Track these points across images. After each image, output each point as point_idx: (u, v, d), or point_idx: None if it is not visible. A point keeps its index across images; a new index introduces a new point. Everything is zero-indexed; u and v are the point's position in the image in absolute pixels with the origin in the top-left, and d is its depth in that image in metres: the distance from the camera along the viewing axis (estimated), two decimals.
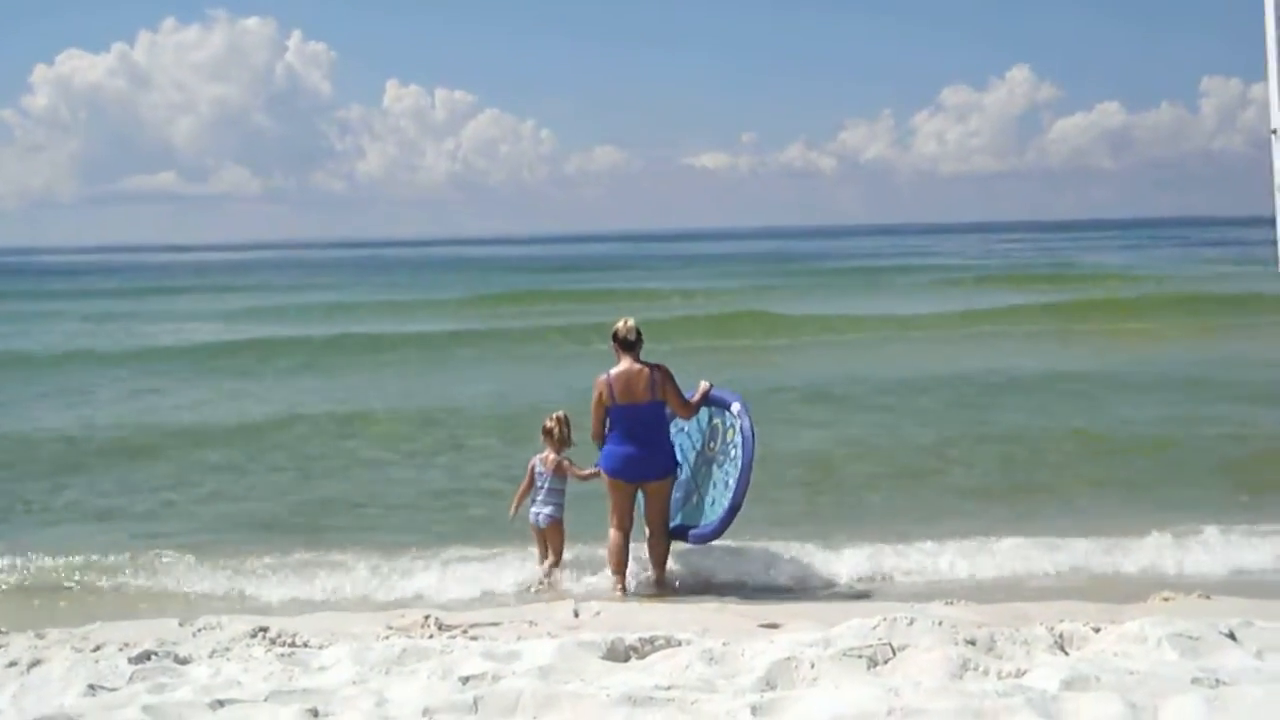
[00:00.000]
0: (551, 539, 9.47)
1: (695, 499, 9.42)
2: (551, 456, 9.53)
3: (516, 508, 9.68)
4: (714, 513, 9.14)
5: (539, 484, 9.53)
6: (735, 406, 9.25)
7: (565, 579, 9.35)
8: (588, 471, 9.44)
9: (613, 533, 9.15)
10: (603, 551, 9.35)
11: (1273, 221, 4.25)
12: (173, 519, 11.82)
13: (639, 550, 9.31)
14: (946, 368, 21.30)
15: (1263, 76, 4.08)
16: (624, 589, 9.08)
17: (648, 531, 9.28)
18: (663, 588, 9.10)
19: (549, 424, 9.61)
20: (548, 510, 9.44)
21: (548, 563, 9.46)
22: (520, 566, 9.63)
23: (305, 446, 15.15)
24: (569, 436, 9.61)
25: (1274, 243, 4.28)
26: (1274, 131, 4.11)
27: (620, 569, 9.14)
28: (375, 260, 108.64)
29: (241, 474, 13.76)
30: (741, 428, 9.12)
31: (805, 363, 23.51)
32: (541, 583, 9.34)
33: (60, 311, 42.04)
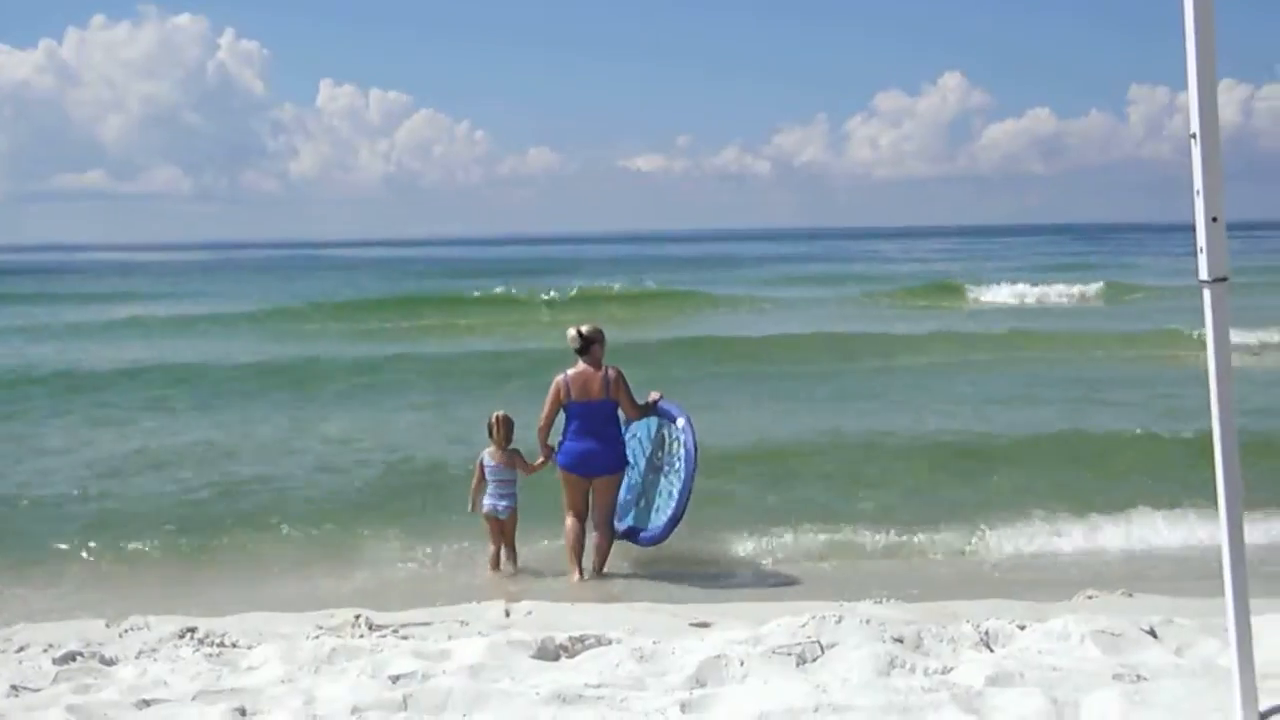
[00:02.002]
0: (509, 529, 9.88)
1: (643, 503, 9.93)
2: (499, 452, 9.94)
3: (474, 503, 10.03)
4: (659, 519, 9.68)
5: (490, 477, 9.93)
6: (680, 422, 9.74)
7: (517, 565, 9.86)
8: (535, 464, 9.92)
9: (570, 522, 9.72)
10: (543, 545, 10.13)
11: (1193, 228, 4.35)
12: (102, 520, 11.64)
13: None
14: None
15: (1185, 85, 4.17)
16: (581, 575, 9.57)
17: (592, 524, 9.69)
18: (600, 576, 9.55)
19: (491, 421, 10.01)
20: (505, 503, 9.88)
21: (503, 552, 9.89)
22: (455, 564, 9.78)
23: (226, 461, 14.79)
24: (510, 435, 9.99)
25: (1195, 250, 4.37)
26: (1193, 136, 4.19)
27: (577, 558, 9.64)
28: (305, 261, 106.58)
29: (168, 479, 13.54)
30: (685, 443, 9.62)
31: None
32: (497, 568, 9.82)
33: None
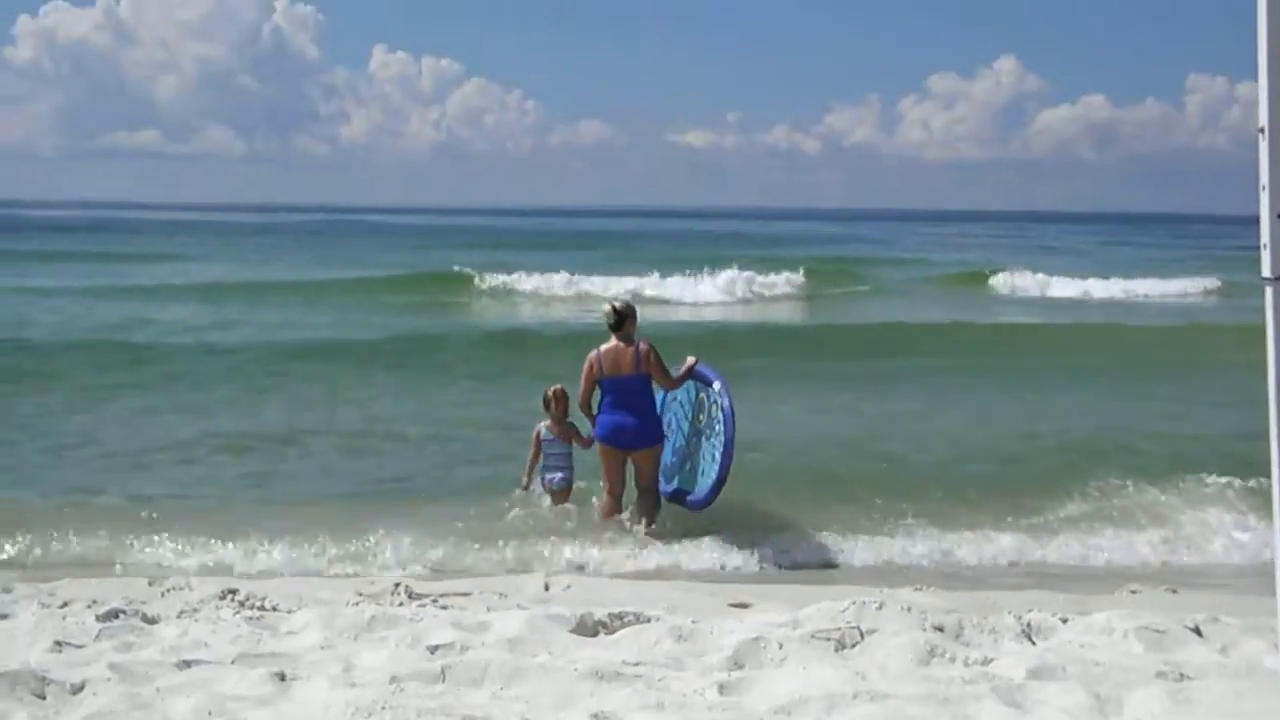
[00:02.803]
0: (559, 499, 10.21)
1: (688, 466, 10.15)
2: (556, 426, 10.26)
3: (529, 476, 10.36)
4: (704, 482, 9.83)
5: (546, 450, 10.25)
6: (716, 385, 9.89)
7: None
8: (588, 437, 10.15)
9: (606, 496, 10.02)
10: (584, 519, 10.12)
11: (1257, 221, 4.23)
12: (149, 479, 11.75)
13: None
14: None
15: (1248, 75, 4.05)
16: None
17: (638, 492, 9.96)
18: (651, 530, 9.74)
19: (548, 395, 10.32)
20: (561, 474, 10.24)
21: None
22: (496, 534, 9.78)
23: (266, 433, 14.89)
24: (566, 408, 10.30)
25: (1259, 245, 4.24)
26: (1261, 130, 4.09)
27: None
28: (353, 227, 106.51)
29: (221, 438, 13.63)
30: (722, 406, 9.74)
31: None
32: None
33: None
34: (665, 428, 10.18)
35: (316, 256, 53.14)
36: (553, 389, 10.34)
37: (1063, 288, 41.55)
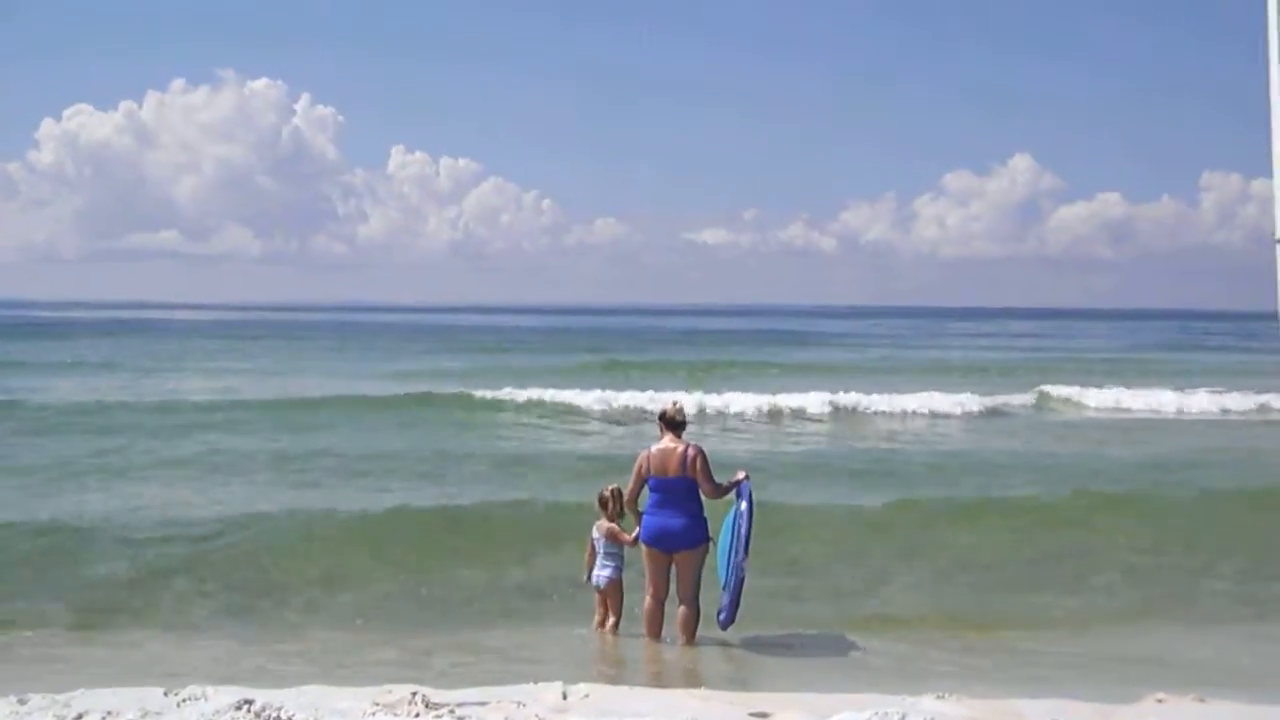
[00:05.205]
0: (611, 598, 10.19)
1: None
2: (605, 524, 10.27)
3: (588, 573, 10.37)
4: (724, 595, 9.75)
5: (597, 549, 10.27)
6: (743, 505, 9.82)
7: (617, 631, 10.10)
8: (630, 536, 10.12)
9: (648, 600, 9.89)
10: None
11: (1275, 316, 4.26)
12: (166, 588, 11.72)
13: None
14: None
15: (1262, 174, 4.08)
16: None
17: (677, 599, 9.81)
18: (687, 645, 9.68)
19: (604, 494, 10.35)
20: (605, 573, 10.20)
21: (609, 621, 10.17)
22: (514, 640, 9.70)
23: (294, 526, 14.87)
24: (621, 508, 10.26)
25: None
26: (1278, 240, 4.12)
27: (655, 634, 9.84)
28: (371, 327, 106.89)
29: (234, 548, 13.60)
30: (739, 509, 9.74)
31: None
32: (602, 628, 10.19)
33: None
34: (724, 560, 9.91)
35: (345, 365, 50.48)
36: (607, 489, 10.35)
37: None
